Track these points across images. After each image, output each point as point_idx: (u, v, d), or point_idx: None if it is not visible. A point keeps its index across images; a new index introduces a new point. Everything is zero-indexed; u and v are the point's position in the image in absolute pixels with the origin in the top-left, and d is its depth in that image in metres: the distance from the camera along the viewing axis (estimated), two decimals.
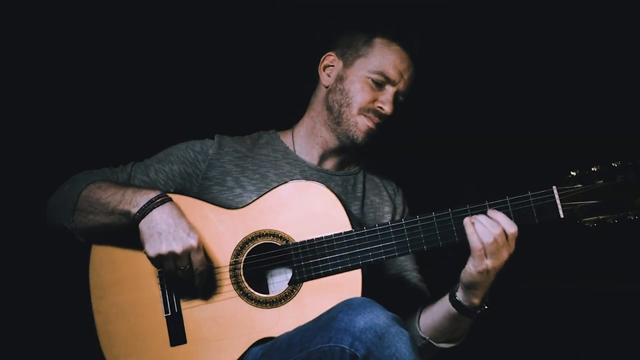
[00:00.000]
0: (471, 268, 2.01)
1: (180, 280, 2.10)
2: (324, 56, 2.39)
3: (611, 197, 1.97)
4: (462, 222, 2.02)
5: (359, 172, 2.43)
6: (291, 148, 2.38)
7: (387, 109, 2.28)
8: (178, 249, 2.05)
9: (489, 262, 1.99)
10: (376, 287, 2.31)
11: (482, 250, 1.98)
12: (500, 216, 2.00)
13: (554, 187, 1.99)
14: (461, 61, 3.08)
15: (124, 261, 2.21)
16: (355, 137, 2.29)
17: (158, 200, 2.09)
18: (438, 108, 3.12)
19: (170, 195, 2.18)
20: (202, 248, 2.10)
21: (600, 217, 1.98)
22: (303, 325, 2.03)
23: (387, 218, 2.41)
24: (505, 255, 2.00)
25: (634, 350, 3.01)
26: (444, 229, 2.04)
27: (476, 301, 2.06)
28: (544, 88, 3.06)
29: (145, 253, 2.07)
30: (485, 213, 2.01)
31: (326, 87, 2.36)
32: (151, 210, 2.08)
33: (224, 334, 2.13)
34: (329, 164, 2.38)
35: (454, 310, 2.10)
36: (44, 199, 2.30)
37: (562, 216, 1.98)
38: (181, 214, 2.11)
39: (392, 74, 2.29)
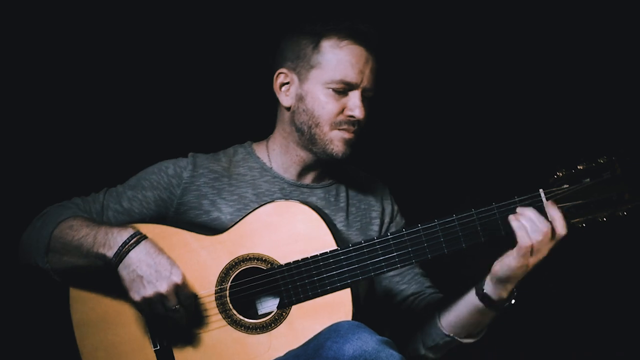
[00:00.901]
0: (512, 262, 1.93)
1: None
2: (275, 75, 2.23)
3: (599, 195, 1.91)
4: (449, 233, 1.96)
5: (342, 180, 2.34)
6: (268, 164, 2.28)
7: (359, 114, 2.16)
8: (163, 289, 1.99)
9: (531, 259, 1.93)
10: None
11: (529, 248, 1.91)
12: (555, 214, 1.91)
13: (541, 190, 1.93)
14: (437, 58, 3.05)
15: (105, 297, 2.14)
16: (335, 153, 2.19)
17: (132, 241, 2.02)
18: (417, 110, 3.08)
19: (146, 226, 2.12)
20: (186, 283, 2.04)
21: (589, 216, 1.93)
22: (293, 351, 1.99)
23: (376, 224, 2.33)
24: (546, 252, 1.93)
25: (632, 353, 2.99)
26: (432, 240, 1.98)
27: (504, 294, 2.00)
28: (524, 88, 3.03)
29: (131, 299, 2.02)
30: (472, 222, 1.95)
31: (288, 110, 2.24)
32: (127, 253, 2.01)
33: None
34: (309, 178, 2.29)
35: (481, 304, 2.02)
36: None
37: None
38: (159, 250, 2.04)
39: (352, 76, 2.15)
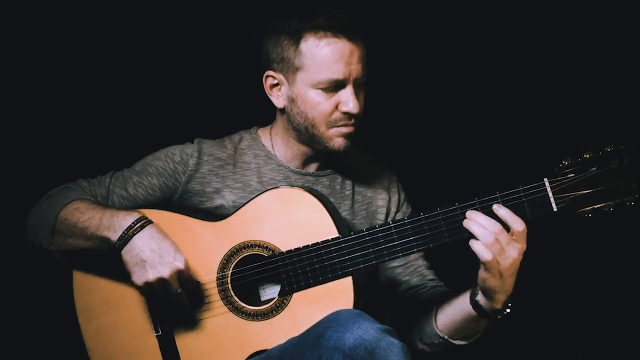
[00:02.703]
0: (481, 274, 1.91)
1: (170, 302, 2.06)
2: (263, 77, 2.18)
3: (606, 184, 1.86)
4: (452, 222, 1.93)
5: (348, 167, 2.30)
6: (272, 152, 2.26)
7: (353, 108, 2.09)
8: (165, 273, 2.00)
9: (500, 266, 1.88)
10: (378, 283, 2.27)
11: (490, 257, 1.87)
12: (503, 212, 1.88)
13: (545, 179, 1.88)
14: (444, 47, 3.01)
15: (108, 282, 2.15)
16: (336, 148, 2.15)
17: (137, 226, 2.03)
18: (422, 97, 3.04)
19: (149, 211, 2.12)
20: (189, 268, 2.05)
21: (596, 206, 1.87)
22: (294, 339, 1.98)
23: (382, 212, 2.30)
24: (514, 254, 1.87)
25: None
26: (434, 229, 1.95)
27: (498, 306, 1.96)
28: (531, 75, 2.97)
29: (133, 283, 2.03)
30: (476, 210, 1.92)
31: (282, 110, 2.19)
32: (132, 238, 2.02)
33: (217, 349, 2.08)
34: (313, 167, 2.26)
35: (474, 313, 1.99)
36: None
37: (555, 210, 1.88)
38: (163, 235, 2.04)
39: (339, 73, 2.07)
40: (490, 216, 1.89)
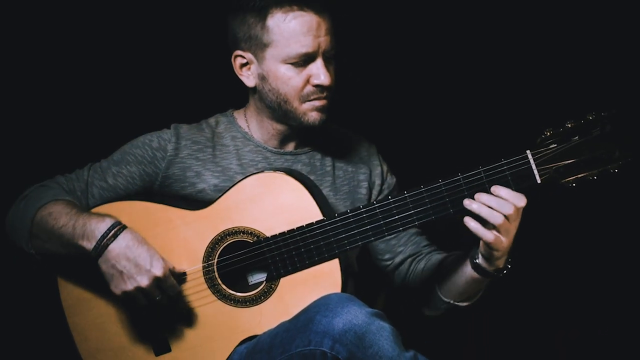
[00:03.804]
0: (486, 247, 1.92)
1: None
2: (232, 58, 2.15)
3: (589, 153, 1.85)
4: (436, 199, 1.92)
5: (326, 143, 2.28)
6: (249, 133, 2.24)
7: (325, 80, 2.07)
8: (144, 283, 1.98)
9: (504, 239, 1.90)
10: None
11: (495, 234, 1.89)
12: (504, 192, 1.87)
13: (528, 151, 1.87)
14: (425, 18, 2.97)
15: (94, 275, 2.10)
16: (311, 122, 2.13)
17: (110, 234, 1.99)
18: (401, 70, 3.00)
19: (130, 203, 2.11)
20: (169, 273, 2.02)
21: (580, 175, 1.87)
22: (284, 324, 1.97)
23: (364, 186, 2.28)
24: (516, 225, 1.91)
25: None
26: (419, 207, 1.94)
27: (500, 265, 1.99)
28: (511, 47, 2.93)
29: (112, 292, 2.01)
30: (459, 187, 1.90)
31: (254, 92, 2.18)
32: (106, 247, 1.98)
33: (207, 337, 2.08)
34: (291, 146, 2.24)
35: (476, 275, 2.01)
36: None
37: (539, 181, 1.87)
38: (138, 241, 2.01)
39: (308, 47, 2.05)
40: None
